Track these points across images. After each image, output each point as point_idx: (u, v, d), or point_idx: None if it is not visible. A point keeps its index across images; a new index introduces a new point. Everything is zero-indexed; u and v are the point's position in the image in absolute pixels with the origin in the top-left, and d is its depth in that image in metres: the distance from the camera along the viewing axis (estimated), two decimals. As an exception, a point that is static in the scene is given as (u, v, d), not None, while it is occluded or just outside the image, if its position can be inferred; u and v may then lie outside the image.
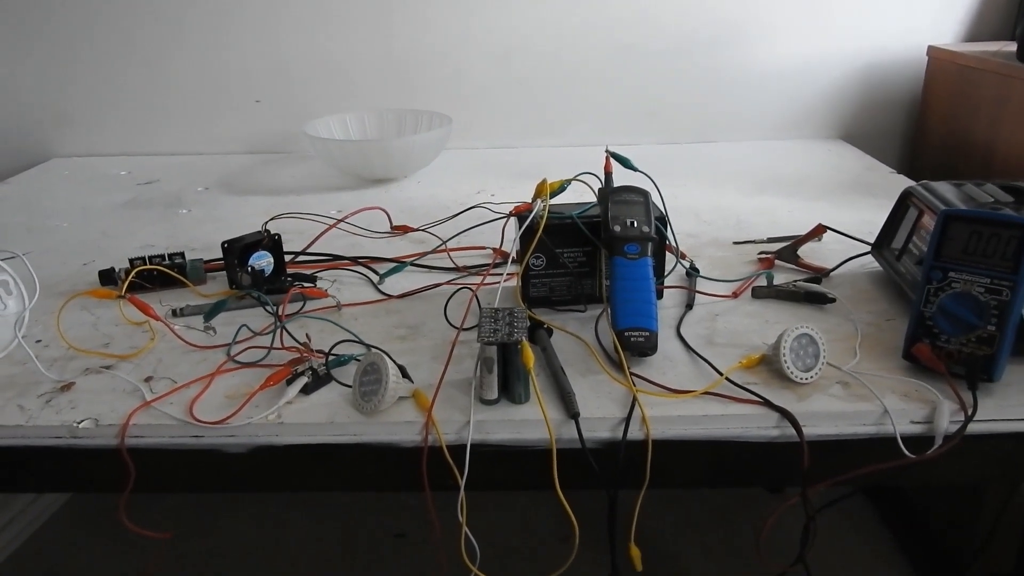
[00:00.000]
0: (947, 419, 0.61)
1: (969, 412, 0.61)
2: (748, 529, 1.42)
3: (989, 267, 0.62)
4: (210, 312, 0.75)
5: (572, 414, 0.62)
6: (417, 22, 1.40)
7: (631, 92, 1.44)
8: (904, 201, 0.82)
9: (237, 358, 0.71)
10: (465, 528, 0.62)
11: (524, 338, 0.62)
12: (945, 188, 0.79)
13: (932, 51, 1.35)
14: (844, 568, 1.35)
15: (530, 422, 0.62)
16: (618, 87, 1.44)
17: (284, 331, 0.71)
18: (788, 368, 0.65)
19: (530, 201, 0.79)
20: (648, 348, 0.68)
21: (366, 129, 1.37)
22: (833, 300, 0.79)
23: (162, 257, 0.87)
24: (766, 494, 1.49)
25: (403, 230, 1.03)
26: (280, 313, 0.73)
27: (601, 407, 0.64)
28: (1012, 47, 1.15)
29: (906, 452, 0.60)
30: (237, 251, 0.84)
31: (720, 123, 1.46)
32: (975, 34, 1.38)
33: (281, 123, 1.47)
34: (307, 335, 0.70)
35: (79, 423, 0.62)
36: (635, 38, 1.40)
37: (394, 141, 1.23)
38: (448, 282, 0.87)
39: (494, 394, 0.63)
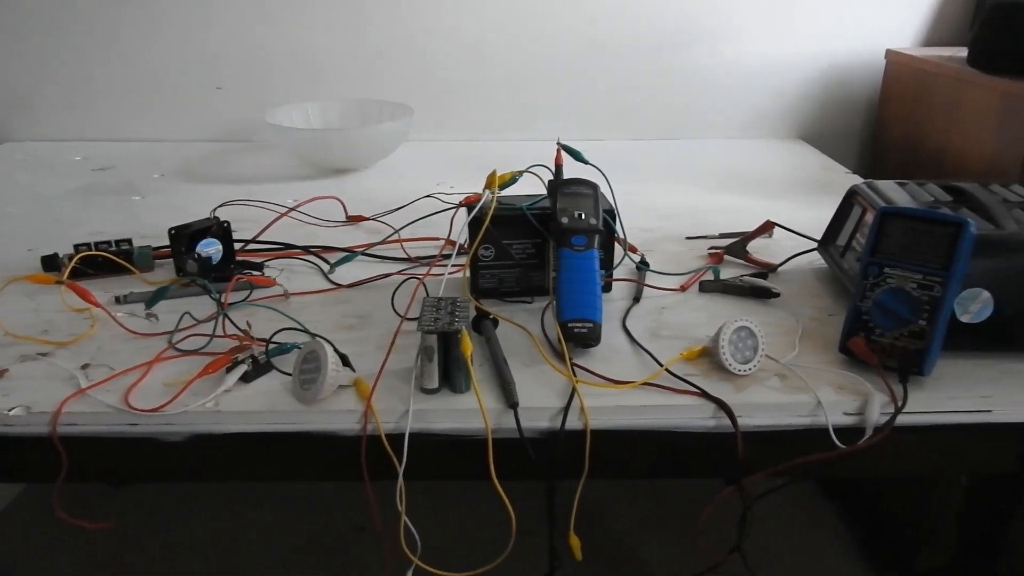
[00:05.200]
0: (878, 411, 0.62)
1: (899, 404, 0.62)
2: (710, 521, 1.43)
3: (922, 263, 0.63)
4: (151, 299, 0.74)
5: (511, 404, 0.62)
6: (386, 12, 1.39)
7: (599, 88, 1.45)
8: (849, 199, 0.83)
9: (178, 346, 0.70)
10: (404, 518, 0.61)
11: (464, 328, 0.62)
12: (888, 187, 0.80)
13: (890, 54, 1.37)
14: (797, 559, 1.37)
15: (470, 411, 0.62)
16: (586, 83, 1.44)
17: (227, 319, 0.71)
18: (727, 360, 0.65)
19: (481, 192, 0.79)
20: (591, 339, 0.69)
21: (329, 118, 1.36)
22: (777, 295, 0.80)
23: (109, 243, 0.86)
24: (725, 485, 1.51)
25: (358, 220, 1.03)
26: (223, 300, 0.72)
27: (542, 397, 0.64)
28: (965, 52, 1.17)
29: (837, 443, 0.61)
30: (184, 238, 0.83)
31: (685, 121, 1.47)
32: (932, 39, 1.41)
33: (243, 111, 1.45)
34: (247, 323, 0.70)
35: (10, 410, 0.61)
36: (603, 35, 1.40)
37: (354, 131, 1.22)
38: (399, 272, 0.87)
39: (434, 383, 0.63)
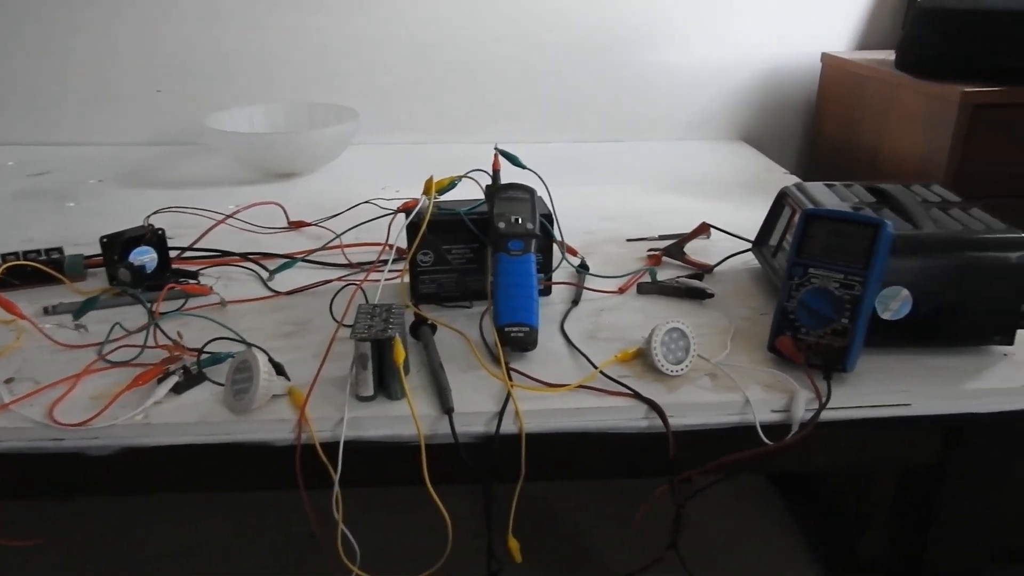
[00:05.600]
0: (803, 407, 0.64)
1: (823, 401, 0.64)
2: (666, 520, 1.46)
3: (844, 264, 0.65)
4: (80, 310, 0.72)
5: (446, 409, 0.62)
6: (332, 15, 1.38)
7: (545, 91, 1.46)
8: (780, 201, 0.85)
9: (108, 357, 0.69)
10: (341, 526, 0.61)
11: (397, 335, 0.62)
12: (816, 189, 0.83)
13: (825, 58, 1.41)
14: (745, 549, 1.40)
15: (404, 418, 0.62)
16: (532, 86, 1.45)
17: (158, 329, 0.70)
18: (659, 361, 0.67)
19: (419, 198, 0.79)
20: (528, 343, 0.70)
21: (274, 122, 1.35)
22: (712, 295, 0.82)
23: (38, 252, 0.84)
24: (680, 484, 1.53)
25: (300, 225, 1.02)
26: (155, 310, 0.71)
27: (479, 402, 0.64)
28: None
29: (765, 440, 0.63)
30: (117, 246, 0.81)
31: (631, 123, 1.49)
32: (866, 42, 1.45)
33: (185, 114, 1.42)
34: (178, 332, 0.69)
35: (-72, 427, 0.59)
36: (549, 37, 1.41)
37: (298, 135, 1.21)
38: (339, 278, 0.86)
39: (370, 391, 0.63)
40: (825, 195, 0.80)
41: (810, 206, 0.77)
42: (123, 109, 1.42)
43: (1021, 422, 0.69)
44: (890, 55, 1.28)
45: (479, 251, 0.79)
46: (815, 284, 0.66)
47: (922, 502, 0.77)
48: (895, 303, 0.68)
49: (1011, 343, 0.71)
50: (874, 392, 0.66)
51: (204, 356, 0.66)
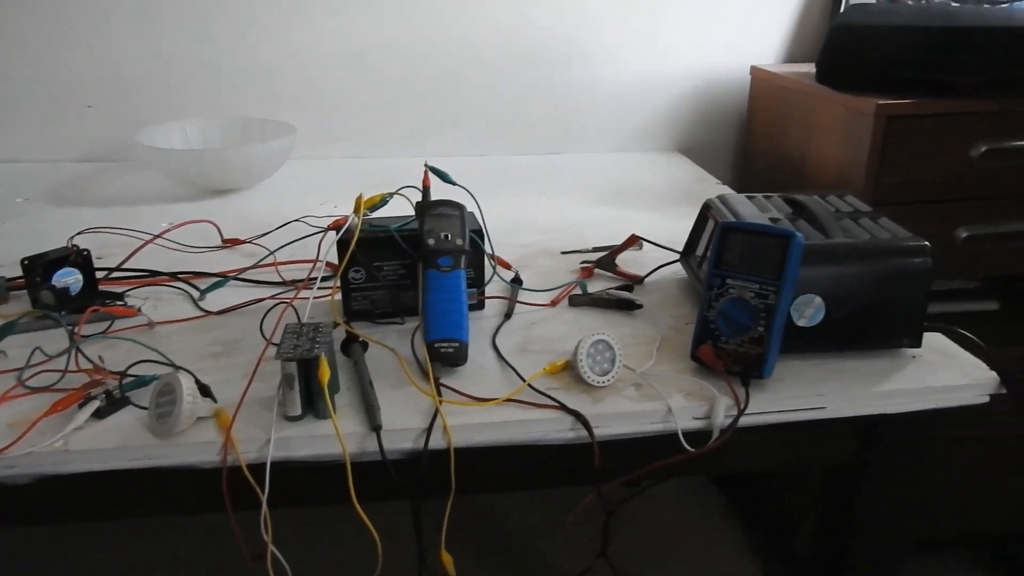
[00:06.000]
0: (723, 414, 0.66)
1: (742, 407, 0.66)
2: (616, 526, 1.48)
3: (759, 274, 0.68)
4: (-3, 335, 0.70)
5: (374, 427, 0.63)
6: (267, 28, 1.37)
7: (483, 104, 1.47)
8: (704, 213, 0.88)
9: (28, 383, 0.67)
10: (271, 547, 0.61)
11: (323, 354, 0.62)
12: (738, 200, 0.86)
13: (754, 71, 1.45)
14: (688, 551, 1.43)
15: (332, 437, 0.62)
16: (470, 99, 1.46)
17: (80, 353, 0.68)
18: (585, 373, 0.68)
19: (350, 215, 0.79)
20: (458, 358, 0.70)
21: (209, 137, 1.33)
22: (640, 306, 0.84)
23: (-45, 276, 0.81)
24: (626, 490, 1.56)
25: (234, 243, 1.01)
26: (76, 333, 0.70)
27: (408, 419, 0.65)
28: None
29: (686, 446, 0.65)
30: (39, 268, 0.79)
31: (568, 135, 1.52)
32: (793, 55, 1.50)
33: (117, 130, 1.39)
34: (100, 356, 0.68)
35: None
36: (487, 52, 1.43)
37: (232, 150, 1.20)
38: (272, 296, 0.86)
39: (297, 410, 0.63)
40: (745, 207, 0.83)
41: (731, 218, 0.80)
42: (51, 125, 1.38)
43: (929, 420, 0.72)
44: (813, 68, 1.33)
45: (411, 267, 0.80)
46: (733, 294, 0.69)
47: (843, 499, 0.81)
48: (809, 310, 0.71)
49: (919, 345, 0.74)
50: (791, 396, 0.69)
51: (128, 379, 0.66)
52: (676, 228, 1.09)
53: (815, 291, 0.71)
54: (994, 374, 0.71)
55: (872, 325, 0.73)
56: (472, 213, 0.82)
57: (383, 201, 0.82)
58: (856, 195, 0.88)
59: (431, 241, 0.75)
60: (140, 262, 0.93)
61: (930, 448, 0.75)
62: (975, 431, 1.29)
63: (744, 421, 0.66)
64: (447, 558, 0.66)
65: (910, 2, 1.33)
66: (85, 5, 1.31)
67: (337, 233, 0.77)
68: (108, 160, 1.41)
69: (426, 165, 0.83)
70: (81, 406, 0.63)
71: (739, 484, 1.59)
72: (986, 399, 0.71)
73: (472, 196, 0.85)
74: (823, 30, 1.48)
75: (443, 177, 0.84)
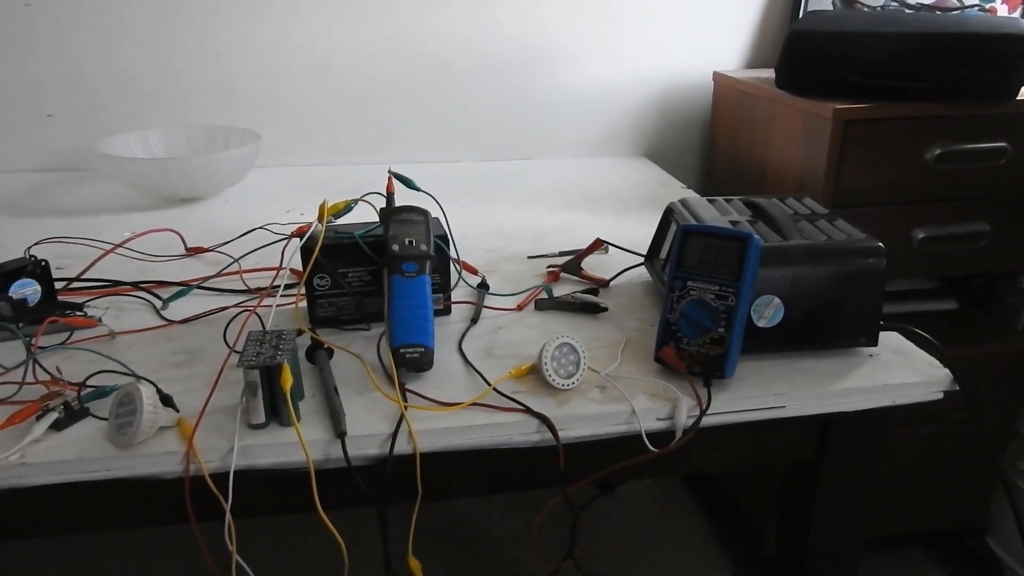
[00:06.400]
0: (685, 414, 0.67)
1: (703, 407, 0.67)
2: (587, 529, 1.48)
3: (718, 276, 0.69)
4: (-49, 348, 0.69)
5: (339, 433, 0.63)
6: (230, 36, 1.36)
7: (450, 110, 1.47)
8: (667, 216, 0.89)
9: (-17, 396, 0.66)
10: (236, 556, 0.61)
11: (285, 361, 0.62)
12: (699, 204, 0.87)
13: (717, 76, 1.48)
14: (659, 551, 1.44)
15: (296, 445, 0.62)
16: (435, 105, 1.47)
17: (38, 364, 0.67)
18: (550, 376, 0.69)
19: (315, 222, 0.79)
20: (424, 364, 0.71)
21: (172, 146, 1.31)
22: (605, 309, 0.85)
23: (-92, 289, 0.79)
24: (601, 492, 1.57)
25: (197, 251, 1.00)
26: (33, 344, 0.69)
27: (372, 424, 0.65)
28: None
29: (650, 447, 0.66)
30: (-5, 280, 0.78)
31: (535, 141, 1.53)
32: (755, 61, 1.53)
33: (78, 139, 1.37)
34: (58, 367, 0.67)
35: None
36: (451, 57, 1.43)
37: (194, 159, 1.19)
38: (236, 304, 0.85)
39: (261, 418, 0.63)
40: (706, 210, 0.85)
41: (692, 221, 0.82)
42: (10, 134, 1.36)
43: (884, 417, 0.74)
44: (773, 74, 1.36)
45: (377, 274, 0.80)
46: (693, 296, 0.70)
47: (802, 497, 0.82)
48: (768, 311, 0.73)
49: (875, 344, 0.76)
50: (751, 396, 0.70)
51: (87, 390, 0.65)
52: (641, 232, 1.11)
53: (773, 292, 0.73)
54: (947, 371, 0.73)
55: (829, 325, 0.75)
56: (437, 219, 0.83)
57: (347, 208, 0.82)
58: (815, 198, 0.90)
59: (395, 247, 0.75)
60: (101, 272, 0.92)
61: (886, 446, 0.77)
62: (927, 428, 1.32)
63: (706, 421, 0.67)
64: (415, 563, 0.66)
65: (865, 8, 1.36)
66: (46, 12, 1.30)
67: (301, 240, 0.77)
68: (69, 170, 1.39)
69: (390, 171, 0.83)
70: (39, 418, 0.62)
71: (709, 486, 1.61)
72: (940, 396, 0.73)
73: (437, 202, 0.85)
74: (783, 36, 1.51)
75: (407, 183, 0.85)
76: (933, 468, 1.37)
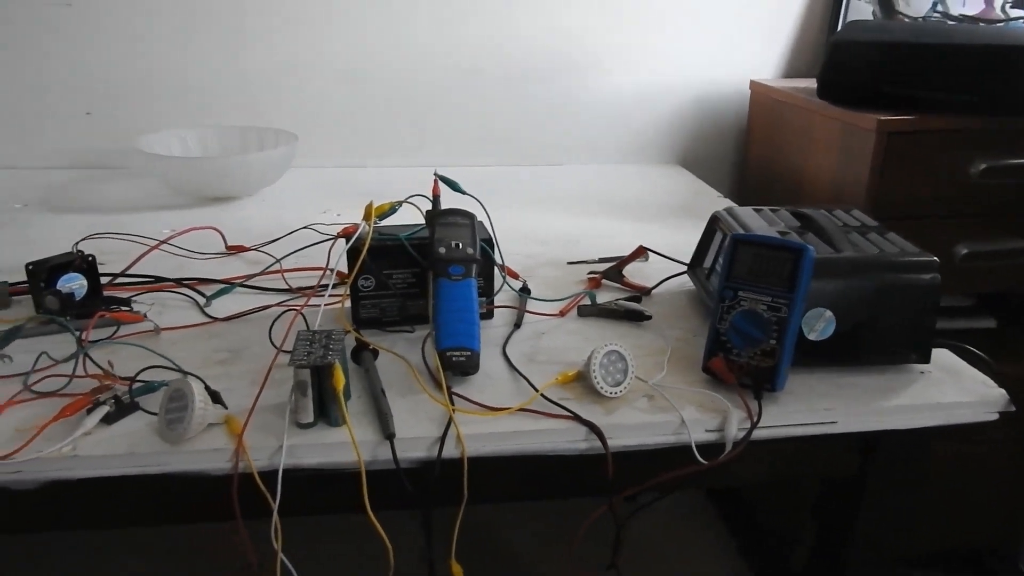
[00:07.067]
0: (735, 427, 0.66)
1: (754, 419, 0.66)
2: (605, 538, 1.47)
3: (770, 286, 0.68)
4: (2, 339, 0.69)
5: (387, 435, 0.62)
6: (265, 39, 1.37)
7: (480, 115, 1.47)
8: (712, 225, 0.89)
9: (34, 388, 0.66)
10: (281, 555, 0.60)
11: (337, 361, 0.61)
12: (746, 213, 0.86)
13: (753, 85, 1.47)
14: (682, 564, 1.43)
15: (344, 445, 0.62)
16: (468, 110, 1.47)
17: (88, 358, 0.68)
18: (598, 383, 0.68)
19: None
20: (470, 367, 0.70)
21: (208, 146, 1.32)
22: (649, 317, 0.84)
23: (-44, 280, 0.80)
24: (624, 502, 1.55)
25: (238, 250, 1.00)
26: (84, 338, 0.69)
27: (419, 427, 0.64)
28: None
29: (700, 459, 0.65)
30: (43, 273, 0.78)
31: (566, 147, 1.53)
32: (792, 70, 1.52)
33: (115, 137, 1.38)
34: (109, 362, 0.67)
35: None
36: (483, 64, 1.43)
37: (231, 159, 1.20)
38: (279, 304, 0.85)
39: (309, 418, 0.63)
40: (753, 219, 0.84)
41: (740, 231, 0.81)
42: (50, 132, 1.37)
43: (929, 436, 0.73)
44: (813, 83, 1.35)
45: (420, 276, 0.80)
46: (745, 307, 0.69)
47: (842, 512, 0.81)
48: (820, 324, 0.72)
49: (927, 361, 0.75)
50: (801, 410, 0.69)
51: (137, 385, 0.65)
52: (677, 240, 1.09)
53: (824, 304, 0.72)
54: (1002, 391, 0.72)
55: (880, 340, 0.74)
56: (481, 222, 0.82)
57: (392, 209, 0.82)
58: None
59: (442, 250, 0.75)
60: (142, 268, 0.93)
61: (929, 463, 0.75)
62: (954, 446, 1.30)
63: (755, 434, 0.66)
64: (457, 569, 0.65)
65: (906, 19, 1.35)
66: (88, 13, 1.31)
67: (347, 241, 0.77)
68: (106, 168, 1.40)
69: (436, 174, 0.83)
70: (90, 411, 0.62)
71: (733, 498, 1.59)
72: (995, 416, 0.72)
73: (482, 205, 0.85)
74: (820, 46, 1.50)
75: (453, 186, 0.84)
76: (959, 487, 1.34)
